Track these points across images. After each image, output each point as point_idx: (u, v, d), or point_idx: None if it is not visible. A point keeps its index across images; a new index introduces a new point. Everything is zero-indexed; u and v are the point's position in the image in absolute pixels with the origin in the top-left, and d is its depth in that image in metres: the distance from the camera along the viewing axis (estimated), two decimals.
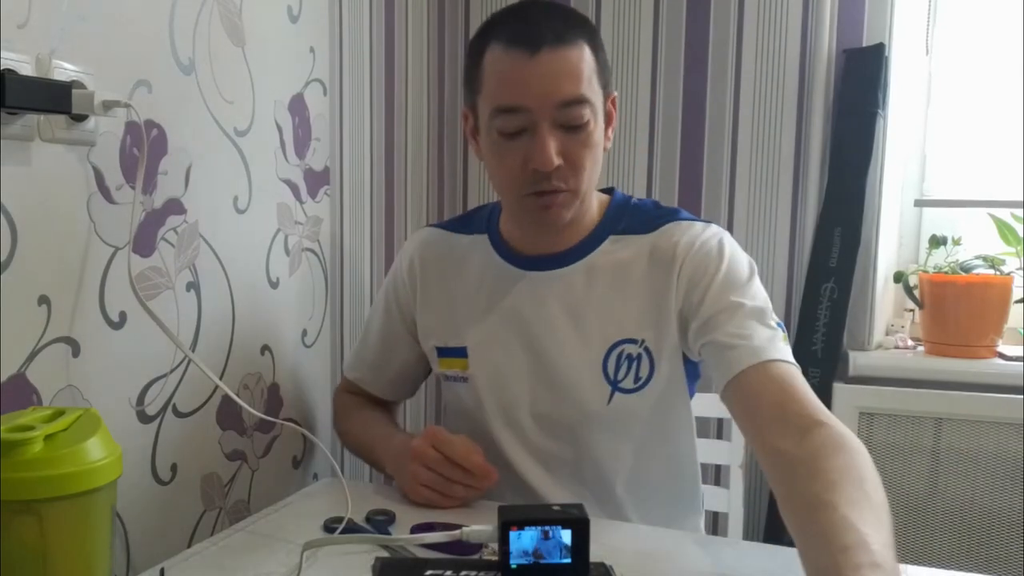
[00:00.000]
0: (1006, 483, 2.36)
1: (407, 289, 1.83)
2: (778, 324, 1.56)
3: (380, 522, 1.52)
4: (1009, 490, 2.36)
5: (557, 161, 1.50)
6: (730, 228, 2.55)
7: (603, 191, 1.75)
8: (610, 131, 1.63)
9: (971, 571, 1.37)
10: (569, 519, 1.24)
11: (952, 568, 1.38)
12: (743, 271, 1.61)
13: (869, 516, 1.17)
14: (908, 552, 2.43)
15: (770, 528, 2.52)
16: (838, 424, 1.36)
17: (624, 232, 1.68)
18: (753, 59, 2.53)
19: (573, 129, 1.51)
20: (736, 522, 2.03)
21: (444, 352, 1.78)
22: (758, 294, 1.59)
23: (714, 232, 1.65)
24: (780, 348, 1.50)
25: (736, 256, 1.63)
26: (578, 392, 1.66)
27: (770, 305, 1.59)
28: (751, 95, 2.55)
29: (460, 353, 1.75)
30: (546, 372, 1.68)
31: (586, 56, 1.51)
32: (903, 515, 2.45)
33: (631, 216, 1.70)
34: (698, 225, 1.66)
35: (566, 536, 1.23)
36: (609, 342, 1.64)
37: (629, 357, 1.63)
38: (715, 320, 1.54)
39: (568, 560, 1.24)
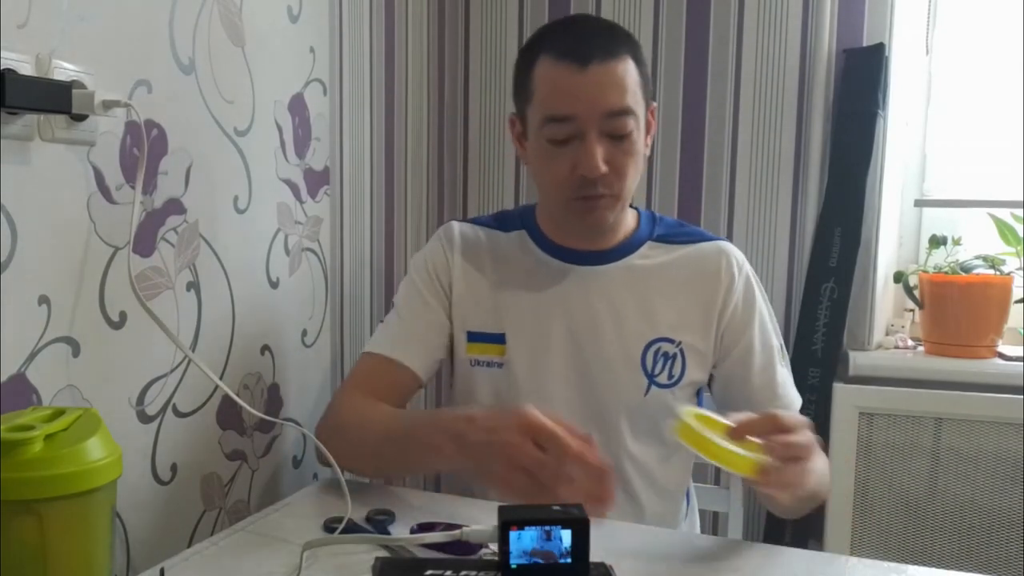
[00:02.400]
0: (1006, 483, 2.36)
1: (445, 265, 1.82)
2: (782, 348, 1.82)
3: (380, 522, 1.52)
4: (1009, 490, 2.36)
5: (603, 168, 1.60)
6: (730, 228, 2.58)
7: None
8: (649, 139, 1.72)
9: (971, 571, 1.37)
10: (569, 519, 1.23)
11: (952, 568, 1.38)
12: (767, 301, 1.83)
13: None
14: (908, 552, 2.43)
15: (770, 528, 2.52)
16: None
17: (660, 240, 1.81)
18: (753, 59, 2.53)
19: (618, 138, 1.61)
20: (736, 522, 2.03)
21: (477, 337, 1.80)
22: (775, 323, 1.83)
23: (742, 256, 1.83)
24: (794, 392, 1.79)
25: (760, 286, 1.83)
26: (617, 382, 1.74)
27: (777, 327, 1.84)
28: (751, 95, 2.54)
29: (497, 339, 1.78)
30: (586, 362, 1.75)
31: (631, 70, 1.61)
32: (903, 515, 2.44)
33: (662, 227, 1.83)
34: (728, 245, 1.83)
35: (566, 536, 1.23)
36: (648, 338, 1.74)
37: (666, 355, 1.74)
38: (750, 359, 1.76)
39: (568, 560, 1.24)
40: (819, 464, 1.52)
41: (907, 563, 1.38)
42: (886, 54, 2.44)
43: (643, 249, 1.79)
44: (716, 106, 2.58)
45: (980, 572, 1.35)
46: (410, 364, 1.76)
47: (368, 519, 1.52)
